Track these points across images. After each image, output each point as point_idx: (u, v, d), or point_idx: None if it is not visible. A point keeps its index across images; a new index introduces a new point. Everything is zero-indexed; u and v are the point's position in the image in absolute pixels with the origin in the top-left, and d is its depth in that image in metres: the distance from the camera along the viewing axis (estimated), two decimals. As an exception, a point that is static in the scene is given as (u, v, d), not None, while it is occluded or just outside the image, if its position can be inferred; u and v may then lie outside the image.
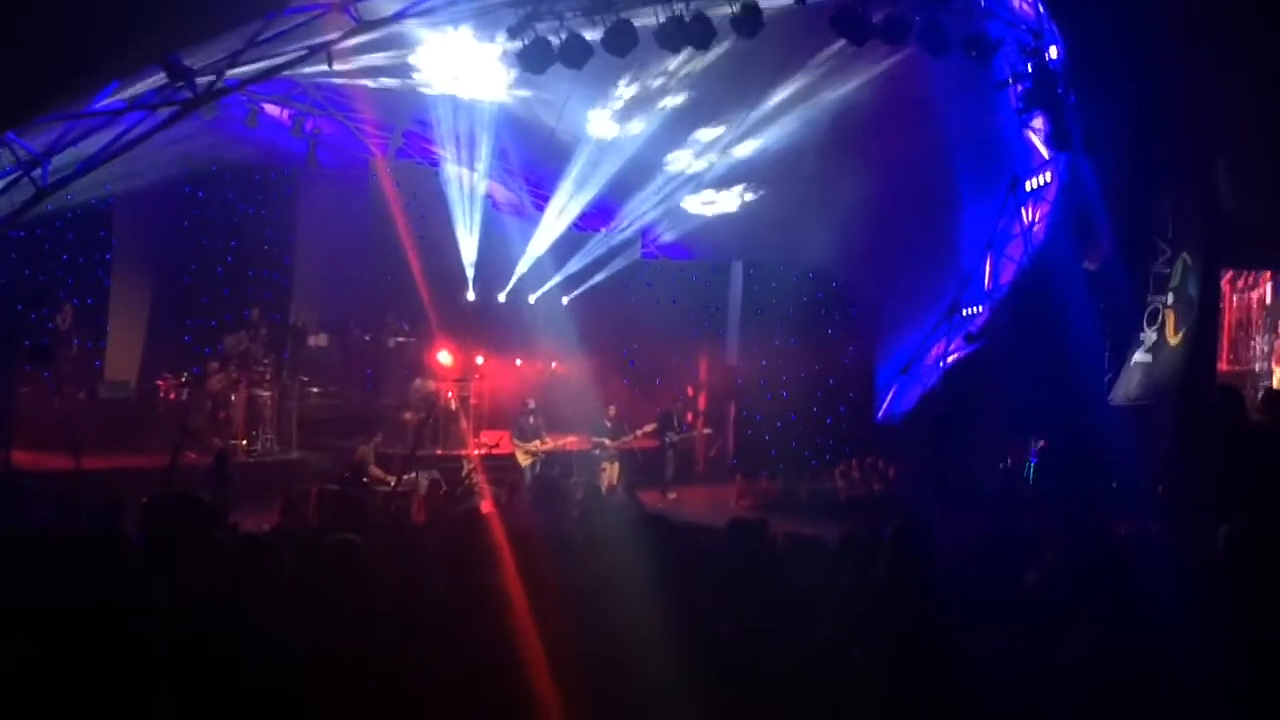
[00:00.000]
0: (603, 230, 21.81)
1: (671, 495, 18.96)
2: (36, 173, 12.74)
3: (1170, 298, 18.60)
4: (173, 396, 18.85)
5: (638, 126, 17.99)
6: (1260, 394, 15.93)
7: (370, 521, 7.43)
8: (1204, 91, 15.96)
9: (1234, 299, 20.61)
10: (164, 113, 12.89)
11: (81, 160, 13.16)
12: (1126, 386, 18.56)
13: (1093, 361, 17.52)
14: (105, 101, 12.89)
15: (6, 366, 16.09)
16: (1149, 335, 18.56)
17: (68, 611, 4.54)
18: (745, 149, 18.58)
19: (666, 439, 19.75)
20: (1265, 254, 19.62)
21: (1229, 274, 20.14)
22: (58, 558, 6.38)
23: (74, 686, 3.93)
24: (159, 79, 12.40)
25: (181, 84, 12.02)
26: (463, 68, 15.10)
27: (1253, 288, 20.83)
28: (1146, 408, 18.05)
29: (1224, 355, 20.27)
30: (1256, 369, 20.46)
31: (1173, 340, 18.69)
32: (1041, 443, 18.23)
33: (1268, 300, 20.75)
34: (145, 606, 4.13)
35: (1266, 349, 20.55)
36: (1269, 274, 20.22)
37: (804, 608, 5.53)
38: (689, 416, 21.67)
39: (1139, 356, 18.65)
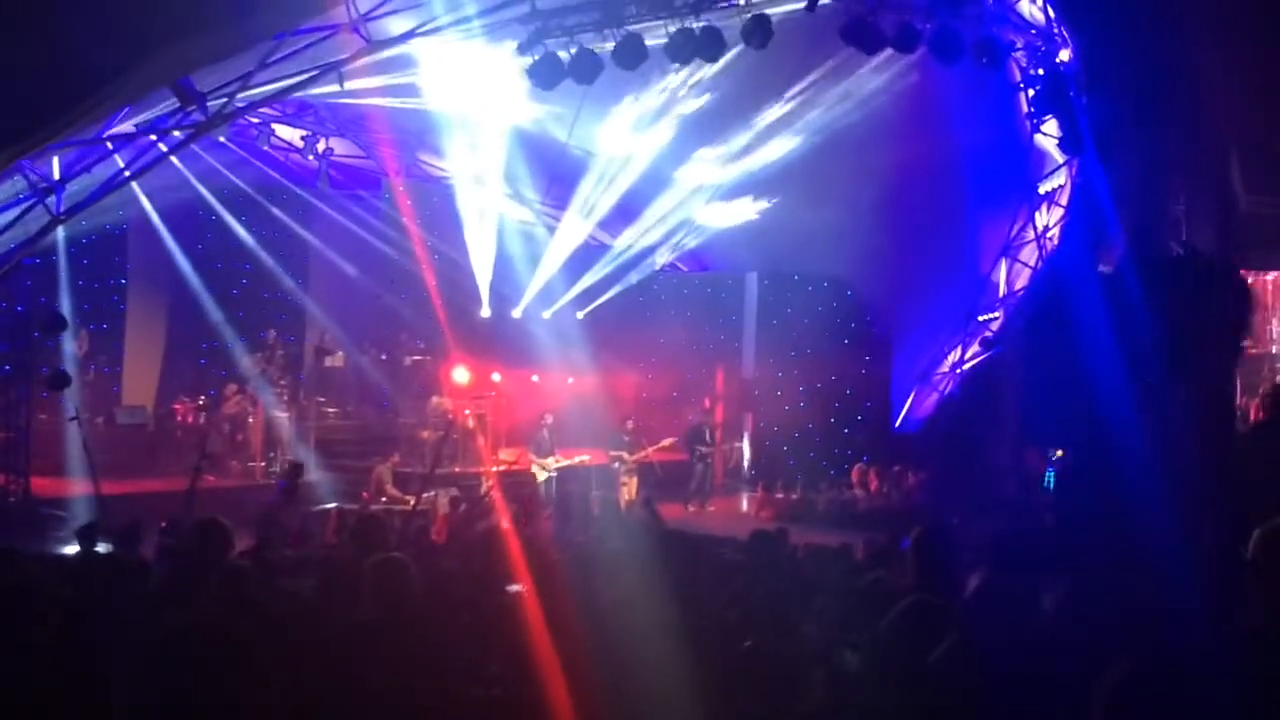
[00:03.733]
0: (616, 244, 21.78)
1: (691, 508, 18.88)
2: (50, 200, 12.75)
3: (1187, 300, 18.52)
4: (190, 420, 18.91)
5: (649, 139, 17.96)
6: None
7: (390, 542, 7.40)
8: (1215, 91, 15.90)
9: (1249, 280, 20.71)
10: (176, 137, 12.93)
11: (95, 186, 13.16)
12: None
13: (1110, 365, 17.42)
14: (117, 127, 12.92)
15: (23, 394, 16.15)
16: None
17: (87, 637, 4.53)
18: (757, 160, 18.54)
19: (697, 452, 19.65)
20: (1280, 254, 19.63)
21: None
22: (77, 583, 6.38)
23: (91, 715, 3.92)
24: (171, 103, 12.41)
25: (193, 108, 12.02)
26: (473, 85, 15.11)
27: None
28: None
29: (1242, 339, 20.38)
30: (1274, 351, 20.54)
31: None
32: (1059, 453, 18.13)
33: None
34: (164, 632, 4.11)
35: (1283, 332, 20.69)
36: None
37: (827, 620, 5.50)
38: (718, 430, 21.61)
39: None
